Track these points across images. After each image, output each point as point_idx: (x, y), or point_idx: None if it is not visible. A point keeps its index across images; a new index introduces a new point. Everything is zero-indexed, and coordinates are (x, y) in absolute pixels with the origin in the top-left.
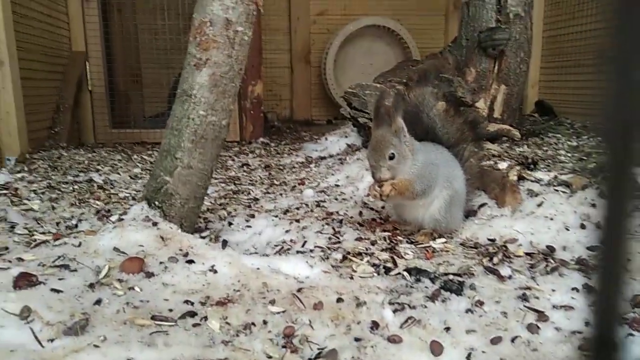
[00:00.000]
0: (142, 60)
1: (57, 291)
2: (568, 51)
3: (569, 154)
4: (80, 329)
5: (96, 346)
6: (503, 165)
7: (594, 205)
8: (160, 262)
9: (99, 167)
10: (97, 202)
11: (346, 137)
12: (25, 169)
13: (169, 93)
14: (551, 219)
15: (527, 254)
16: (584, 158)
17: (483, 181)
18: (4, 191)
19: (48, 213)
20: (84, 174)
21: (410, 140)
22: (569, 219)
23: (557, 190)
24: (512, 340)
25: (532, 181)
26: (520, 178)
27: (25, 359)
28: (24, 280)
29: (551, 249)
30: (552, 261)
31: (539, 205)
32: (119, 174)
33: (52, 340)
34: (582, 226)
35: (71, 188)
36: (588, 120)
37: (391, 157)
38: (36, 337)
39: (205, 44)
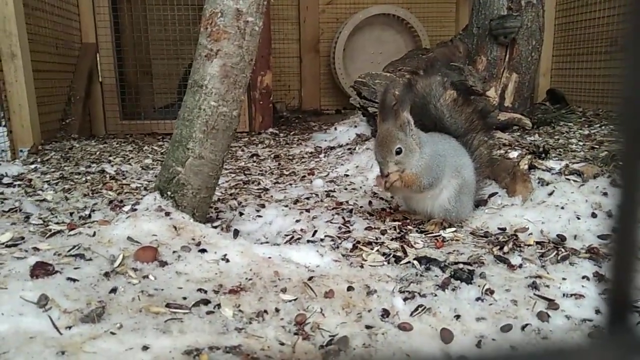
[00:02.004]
0: (152, 51)
1: (73, 280)
2: (580, 39)
3: (581, 143)
4: (97, 316)
5: (113, 333)
6: (514, 154)
7: (605, 194)
8: (174, 251)
9: (110, 158)
10: (110, 192)
11: (356, 126)
12: (38, 160)
13: (179, 84)
14: (562, 208)
15: (537, 242)
16: (596, 146)
17: (493, 170)
18: (18, 182)
19: (62, 203)
20: (96, 165)
21: (417, 132)
22: (580, 207)
23: (568, 179)
24: (522, 328)
25: (543, 170)
26: (531, 167)
27: (44, 345)
28: (41, 270)
29: (562, 237)
30: (562, 250)
31: (550, 194)
32: (130, 164)
33: (69, 328)
34: (593, 215)
35: (84, 179)
36: (600, 109)
37: (398, 152)
38: (54, 325)
39: (216, 34)
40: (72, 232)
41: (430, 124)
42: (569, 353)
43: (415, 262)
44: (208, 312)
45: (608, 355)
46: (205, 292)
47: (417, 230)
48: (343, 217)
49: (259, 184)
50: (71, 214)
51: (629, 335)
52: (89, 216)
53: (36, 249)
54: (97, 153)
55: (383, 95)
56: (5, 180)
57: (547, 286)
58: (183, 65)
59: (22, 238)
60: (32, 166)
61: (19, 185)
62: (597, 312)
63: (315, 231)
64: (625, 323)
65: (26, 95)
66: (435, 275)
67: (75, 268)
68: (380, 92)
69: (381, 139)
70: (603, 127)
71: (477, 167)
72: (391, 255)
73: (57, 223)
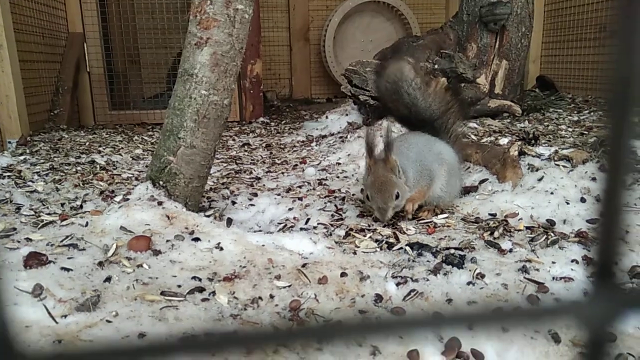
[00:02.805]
0: (140, 40)
1: (67, 269)
2: (570, 25)
3: (570, 129)
4: (92, 305)
5: (108, 321)
6: (504, 140)
7: (594, 179)
8: (167, 240)
9: (100, 149)
10: (101, 182)
11: (347, 115)
12: (27, 151)
13: (168, 73)
14: (551, 193)
15: (527, 227)
16: (585, 132)
17: (484, 157)
18: (8, 173)
19: (52, 194)
20: (86, 156)
21: (398, 163)
22: (569, 192)
23: (557, 165)
24: (515, 309)
25: (533, 156)
26: (521, 153)
27: (40, 334)
28: (34, 260)
29: (551, 222)
30: (552, 234)
31: (540, 179)
32: (120, 155)
33: (65, 317)
34: (582, 200)
35: (74, 169)
36: (589, 95)
37: (397, 197)
38: (50, 314)
39: (205, 22)
40: (64, 223)
41: (404, 109)
42: (561, 309)
43: (408, 248)
44: (203, 300)
45: (596, 309)
46: (200, 280)
47: (409, 217)
48: (335, 205)
49: (251, 173)
50: (62, 204)
51: (615, 292)
52: (81, 207)
53: (29, 239)
54: (87, 144)
55: (368, 137)
56: None
57: (537, 270)
58: (172, 54)
59: (14, 229)
60: (22, 157)
61: (9, 177)
62: (586, 294)
63: (308, 219)
64: (611, 281)
65: (13, 86)
66: (427, 261)
67: (69, 258)
68: (366, 135)
69: (379, 185)
70: (592, 114)
71: (455, 149)
72: (384, 242)
73: (48, 214)
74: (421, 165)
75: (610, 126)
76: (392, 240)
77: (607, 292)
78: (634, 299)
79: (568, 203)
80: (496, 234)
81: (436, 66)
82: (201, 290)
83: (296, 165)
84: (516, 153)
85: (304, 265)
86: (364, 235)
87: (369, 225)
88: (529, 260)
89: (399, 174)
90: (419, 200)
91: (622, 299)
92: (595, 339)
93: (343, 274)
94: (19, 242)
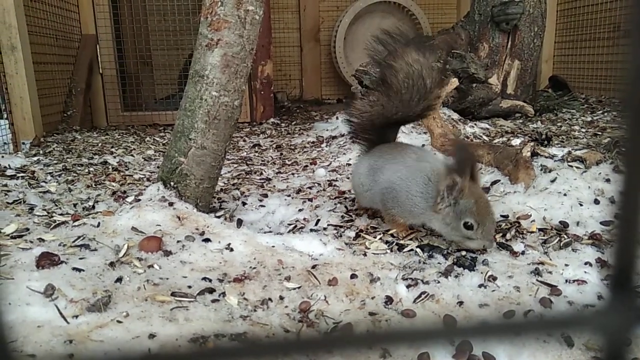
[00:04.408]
0: (151, 42)
1: (79, 270)
2: (583, 25)
3: (583, 130)
4: (103, 305)
5: (119, 322)
6: (516, 141)
7: (608, 181)
8: (178, 241)
9: (112, 150)
10: (113, 183)
11: None
12: (41, 152)
13: (180, 75)
14: (565, 195)
15: (540, 229)
16: (599, 133)
17: (496, 158)
18: (22, 174)
19: (65, 195)
20: (98, 157)
21: None
22: (582, 194)
23: (570, 166)
24: (525, 314)
25: (545, 157)
26: (534, 154)
27: (51, 334)
28: (46, 260)
29: (564, 224)
30: (565, 236)
31: (553, 181)
32: (132, 155)
33: (76, 317)
34: (596, 201)
35: (86, 170)
36: (603, 95)
37: None
38: (61, 314)
39: (216, 24)
40: (76, 223)
41: (401, 106)
42: (574, 319)
43: (418, 249)
44: (213, 301)
45: (613, 319)
46: (210, 280)
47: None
48: (345, 206)
49: (261, 174)
50: (75, 205)
51: (631, 302)
52: (93, 207)
53: (41, 239)
54: (99, 145)
55: (461, 152)
56: (9, 172)
57: (550, 272)
58: (183, 55)
59: (27, 229)
60: (35, 158)
61: (22, 177)
62: (600, 297)
63: (318, 220)
64: (628, 291)
65: (27, 87)
66: (438, 263)
67: (81, 258)
68: (458, 149)
69: (487, 208)
70: (606, 114)
71: None
72: (394, 243)
73: (61, 214)
74: None
75: (626, 127)
76: (402, 241)
77: (625, 300)
78: None
79: (581, 205)
80: (508, 235)
81: (447, 66)
82: (211, 291)
83: (306, 166)
84: (529, 154)
85: (313, 267)
86: (374, 237)
87: (379, 227)
88: (542, 263)
89: None
90: None
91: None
92: (612, 349)
93: (353, 276)
94: (31, 242)
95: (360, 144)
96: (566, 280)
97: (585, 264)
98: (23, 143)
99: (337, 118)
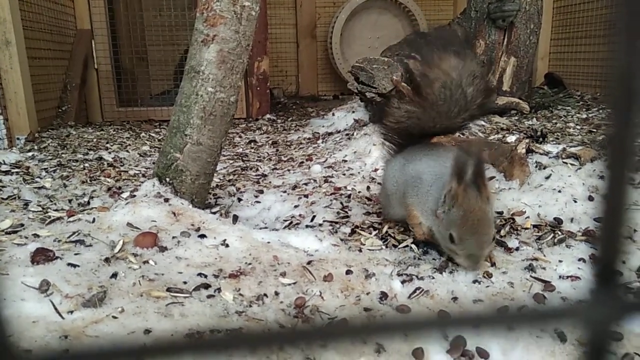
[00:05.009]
0: (147, 37)
1: (74, 265)
2: (579, 22)
3: (578, 126)
4: (99, 301)
5: (115, 317)
6: (512, 138)
7: (602, 178)
8: (173, 237)
9: (107, 145)
10: (108, 179)
11: (353, 112)
12: (35, 147)
13: (175, 70)
14: (559, 191)
15: (534, 225)
16: (593, 130)
17: (491, 154)
18: (16, 170)
19: (60, 190)
20: (94, 152)
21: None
22: (577, 191)
23: (565, 163)
24: (519, 310)
25: (540, 154)
26: (529, 151)
27: (47, 329)
28: (41, 255)
29: (559, 220)
30: (559, 233)
31: (547, 177)
32: (127, 151)
33: (71, 312)
34: (590, 198)
35: (81, 166)
36: (598, 92)
37: (493, 239)
38: (56, 309)
39: (212, 19)
40: (71, 219)
41: (439, 118)
42: (560, 312)
43: (413, 245)
44: (209, 296)
45: (596, 312)
46: (206, 276)
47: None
48: (341, 203)
49: (257, 170)
50: (70, 201)
51: (616, 295)
52: (88, 203)
53: (36, 235)
54: (94, 140)
55: (458, 156)
56: (3, 167)
57: (544, 268)
58: (179, 51)
59: (22, 225)
60: (30, 154)
61: (17, 173)
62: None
63: (314, 216)
64: (612, 284)
65: (22, 82)
66: (433, 259)
67: (76, 254)
68: (457, 155)
69: (475, 223)
70: (601, 111)
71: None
72: (389, 240)
73: (56, 210)
74: None
75: (613, 123)
76: (397, 237)
77: (610, 293)
78: (636, 301)
79: (576, 201)
80: (503, 232)
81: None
82: (207, 286)
83: (302, 162)
84: (524, 151)
85: (309, 263)
86: (370, 233)
87: (375, 223)
88: (536, 259)
89: (493, 207)
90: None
91: (624, 301)
92: (597, 341)
93: (348, 272)
94: (26, 238)
95: (391, 145)
96: (560, 276)
97: (579, 260)
98: (18, 138)
99: (333, 114)
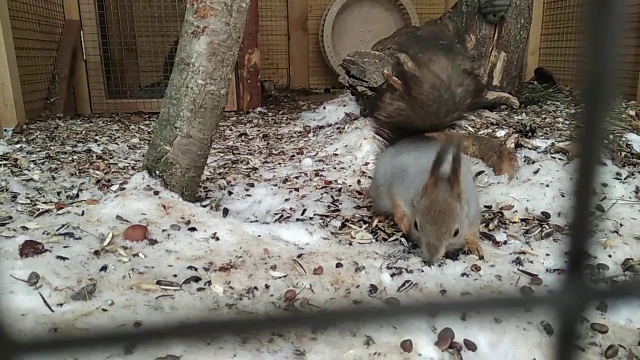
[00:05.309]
0: (136, 28)
1: (63, 258)
2: (569, 17)
3: (567, 122)
4: (88, 294)
5: (104, 310)
6: (501, 133)
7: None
8: (163, 230)
9: (96, 137)
10: (97, 172)
11: (344, 105)
12: (23, 139)
13: (165, 62)
14: (547, 186)
15: (522, 220)
16: (582, 125)
17: (481, 149)
18: (4, 162)
19: (49, 183)
20: (82, 144)
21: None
22: (564, 185)
23: (553, 158)
24: (497, 294)
25: (529, 149)
26: (518, 146)
27: (36, 322)
28: (30, 248)
29: (546, 214)
30: (546, 226)
31: (536, 172)
32: (117, 144)
33: (61, 305)
34: None
35: (70, 158)
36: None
37: (456, 233)
38: (46, 302)
39: (203, 11)
40: (60, 212)
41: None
42: (533, 298)
43: (403, 239)
44: (199, 289)
45: (566, 298)
46: (196, 269)
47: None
48: (332, 196)
49: (247, 163)
50: (58, 193)
51: (584, 282)
52: (77, 195)
53: (25, 228)
54: (83, 132)
55: (441, 149)
56: None
57: (531, 262)
58: (169, 42)
59: (10, 217)
60: (18, 146)
61: (5, 165)
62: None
63: (305, 210)
64: (582, 272)
65: (9, 73)
66: (422, 252)
67: (65, 247)
68: (439, 146)
69: (436, 214)
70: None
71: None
72: (379, 233)
73: (44, 202)
74: (477, 195)
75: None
76: (388, 231)
77: (579, 280)
78: (603, 290)
79: (563, 196)
80: (491, 225)
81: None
82: (197, 279)
83: (293, 156)
84: (513, 145)
85: (299, 256)
86: (360, 227)
87: (365, 217)
88: (523, 252)
89: (463, 204)
90: (472, 245)
91: (591, 290)
92: (567, 324)
93: (338, 265)
94: (15, 230)
95: (383, 139)
96: (547, 270)
97: (566, 253)
98: (5, 130)
99: (324, 108)
